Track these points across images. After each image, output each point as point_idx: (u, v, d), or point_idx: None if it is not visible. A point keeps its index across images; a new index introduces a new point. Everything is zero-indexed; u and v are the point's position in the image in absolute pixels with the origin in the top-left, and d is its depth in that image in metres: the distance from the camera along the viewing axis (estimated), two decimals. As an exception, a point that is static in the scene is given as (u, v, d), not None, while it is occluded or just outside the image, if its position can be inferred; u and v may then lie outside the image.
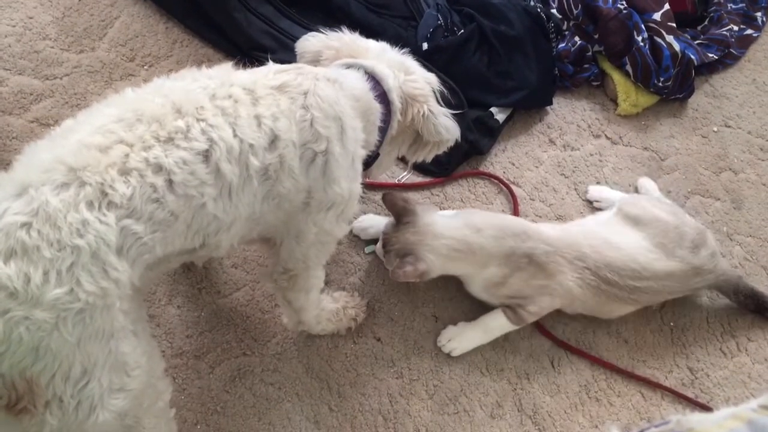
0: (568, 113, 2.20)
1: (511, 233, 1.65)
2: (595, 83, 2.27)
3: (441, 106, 1.53)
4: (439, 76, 1.62)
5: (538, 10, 2.23)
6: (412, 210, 1.64)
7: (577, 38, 2.26)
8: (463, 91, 2.03)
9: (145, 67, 2.04)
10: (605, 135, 2.19)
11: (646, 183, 2.05)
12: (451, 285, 1.80)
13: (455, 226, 1.65)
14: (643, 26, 2.21)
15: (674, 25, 2.25)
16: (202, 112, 1.13)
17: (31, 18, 2.03)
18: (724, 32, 2.41)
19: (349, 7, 2.11)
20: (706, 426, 0.88)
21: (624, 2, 2.23)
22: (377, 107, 1.41)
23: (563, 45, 2.24)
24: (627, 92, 2.20)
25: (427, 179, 2.00)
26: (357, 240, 1.86)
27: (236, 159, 1.14)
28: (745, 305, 1.86)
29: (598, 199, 2.01)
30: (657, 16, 2.24)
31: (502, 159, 2.08)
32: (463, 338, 1.73)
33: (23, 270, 0.96)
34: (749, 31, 2.48)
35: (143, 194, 1.05)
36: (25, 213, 0.98)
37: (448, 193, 1.99)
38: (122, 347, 1.07)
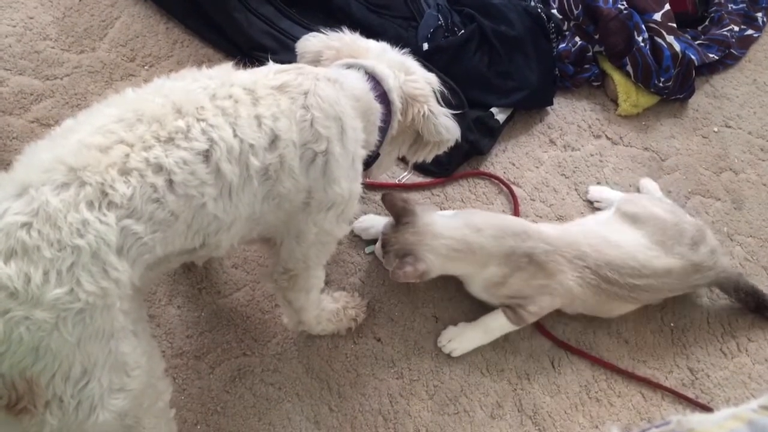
0: (568, 113, 2.20)
1: (511, 233, 1.65)
2: (595, 83, 2.27)
3: (441, 106, 1.53)
4: (439, 77, 1.62)
5: (539, 10, 2.23)
6: (412, 210, 1.64)
7: (577, 38, 2.26)
8: (464, 92, 2.03)
9: (146, 67, 2.04)
10: (606, 135, 2.19)
11: (647, 184, 2.05)
12: (452, 285, 1.80)
13: (455, 226, 1.65)
14: (643, 26, 2.21)
15: (675, 25, 2.25)
16: (202, 112, 1.13)
17: (31, 18, 2.03)
18: (725, 32, 2.41)
19: (349, 8, 2.11)
20: (707, 426, 0.88)
21: (624, 2, 2.23)
22: (377, 107, 1.41)
23: (564, 45, 2.24)
24: (627, 92, 2.20)
25: (428, 179, 2.00)
26: (357, 240, 1.86)
27: (236, 159, 1.14)
28: (745, 303, 1.86)
29: (599, 200, 2.01)
30: (657, 16, 2.24)
31: (502, 159, 2.08)
32: (464, 339, 1.73)
33: (23, 270, 0.96)
34: (750, 32, 2.48)
35: (143, 194, 1.05)
36: (26, 213, 0.98)
37: (448, 193, 1.99)
38: (122, 347, 1.07)
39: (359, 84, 1.38)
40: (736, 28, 2.45)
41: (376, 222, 1.82)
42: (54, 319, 0.96)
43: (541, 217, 1.99)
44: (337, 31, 1.51)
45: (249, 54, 2.01)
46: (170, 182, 1.08)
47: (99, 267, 1.01)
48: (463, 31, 2.14)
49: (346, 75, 1.38)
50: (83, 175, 1.02)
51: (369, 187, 1.91)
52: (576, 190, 2.06)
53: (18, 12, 2.04)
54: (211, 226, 1.16)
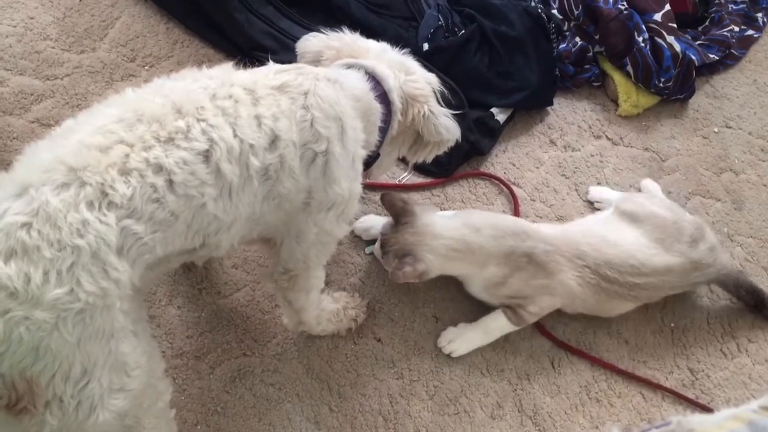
0: (568, 114, 2.20)
1: (511, 233, 1.65)
2: (595, 84, 2.27)
3: (441, 106, 1.53)
4: (439, 77, 1.62)
5: (539, 10, 2.23)
6: (411, 210, 1.64)
7: (577, 39, 2.26)
8: (464, 92, 2.03)
9: (146, 67, 2.04)
10: (606, 136, 2.19)
11: (649, 184, 2.05)
12: (452, 286, 1.80)
13: (454, 226, 1.65)
14: (643, 27, 2.21)
15: (675, 25, 2.25)
16: (202, 112, 1.13)
17: (32, 18, 2.04)
18: (725, 33, 2.41)
19: (349, 8, 2.11)
20: (707, 427, 0.88)
21: (625, 3, 2.23)
22: (378, 107, 1.40)
23: (564, 45, 2.24)
24: (628, 93, 2.20)
25: (428, 180, 2.00)
26: (357, 240, 1.86)
27: (236, 159, 1.14)
28: (745, 301, 1.86)
29: (599, 200, 2.01)
30: (658, 16, 2.23)
31: (502, 159, 2.08)
32: (464, 339, 1.73)
33: (23, 270, 0.96)
34: (750, 32, 2.47)
35: (143, 194, 1.05)
36: (26, 213, 0.98)
37: (448, 193, 1.99)
38: (122, 347, 1.07)
39: (359, 84, 1.38)
40: (737, 29, 2.45)
41: (376, 222, 1.82)
42: (54, 319, 0.96)
43: (541, 217, 1.99)
44: (337, 31, 1.51)
45: (249, 54, 2.01)
46: (170, 182, 1.08)
47: (99, 267, 1.01)
48: (463, 31, 2.14)
49: (346, 75, 1.38)
50: (83, 175, 1.02)
51: (369, 187, 1.91)
52: (576, 190, 2.06)
53: (18, 12, 2.04)
54: (211, 226, 1.16)
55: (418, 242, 1.61)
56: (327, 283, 1.66)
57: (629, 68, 2.19)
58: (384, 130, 1.45)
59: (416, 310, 1.79)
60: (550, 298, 1.68)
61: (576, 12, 2.27)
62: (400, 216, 1.64)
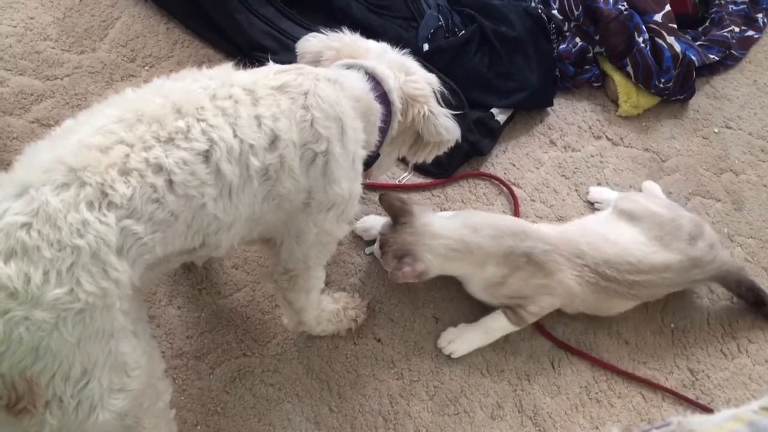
0: (568, 114, 2.20)
1: (510, 232, 1.65)
2: (596, 84, 2.27)
3: (441, 106, 1.52)
4: (439, 77, 1.62)
5: (539, 11, 2.23)
6: (409, 210, 1.64)
7: (578, 39, 2.26)
8: (464, 92, 2.03)
9: (146, 67, 2.04)
10: (606, 136, 2.18)
11: (650, 186, 2.05)
12: (452, 286, 1.80)
13: (453, 226, 1.65)
14: (644, 27, 2.21)
15: (675, 26, 2.25)
16: (202, 112, 1.13)
17: (32, 18, 2.04)
18: (725, 33, 2.41)
19: (350, 8, 2.11)
20: (707, 427, 0.88)
21: (625, 3, 2.23)
22: (378, 108, 1.40)
23: (564, 46, 2.24)
24: (628, 93, 2.20)
25: (428, 180, 2.00)
26: (357, 241, 1.86)
27: (236, 159, 1.14)
28: (745, 298, 1.85)
29: (599, 201, 2.01)
30: (658, 17, 2.23)
31: (502, 160, 2.08)
32: (464, 340, 1.73)
33: (23, 270, 0.96)
34: (750, 33, 2.47)
35: (143, 194, 1.05)
36: (26, 213, 0.98)
37: (448, 194, 1.99)
38: (122, 347, 1.07)
39: (359, 84, 1.38)
40: (737, 29, 2.45)
41: (377, 223, 1.82)
42: (54, 319, 0.96)
43: (541, 218, 1.99)
44: (337, 32, 1.51)
45: (249, 54, 2.01)
46: (170, 182, 1.08)
47: (99, 267, 1.01)
48: (463, 31, 2.14)
49: (346, 75, 1.38)
50: (83, 176, 1.02)
51: (369, 187, 1.91)
52: (576, 191, 2.06)
53: (18, 12, 2.04)
54: (211, 227, 1.16)
55: (417, 242, 1.61)
56: (327, 284, 1.66)
57: (629, 69, 2.19)
58: (384, 131, 1.45)
59: (416, 311, 1.79)
60: (550, 298, 1.68)
61: (576, 12, 2.27)
62: (398, 216, 1.64)
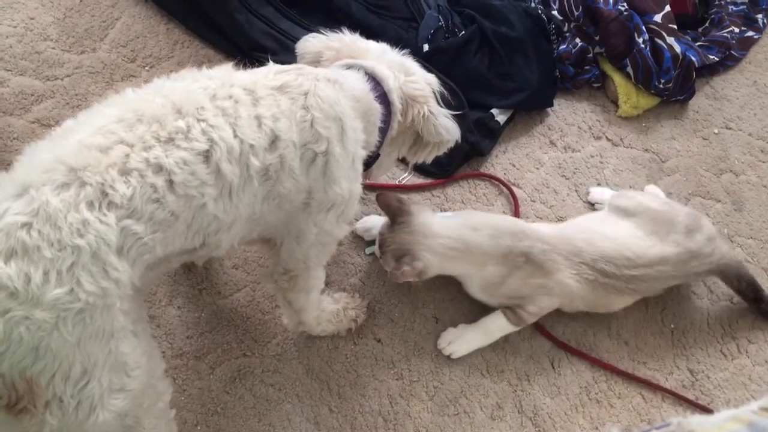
0: (568, 115, 2.21)
1: (508, 232, 1.66)
2: (595, 85, 2.27)
3: (441, 107, 1.53)
4: (439, 78, 1.62)
5: (539, 11, 2.23)
6: (407, 210, 1.64)
7: (578, 40, 2.26)
8: (464, 93, 2.03)
9: (146, 68, 2.04)
10: (606, 137, 2.19)
11: (652, 190, 2.05)
12: (452, 286, 1.80)
13: (452, 225, 1.65)
14: (644, 28, 2.21)
15: (675, 26, 2.25)
16: (202, 112, 1.13)
17: (32, 19, 2.04)
18: (725, 34, 2.41)
19: (349, 8, 2.11)
20: (707, 428, 0.88)
21: (625, 4, 2.23)
22: (377, 108, 1.41)
23: (564, 46, 2.24)
24: (628, 94, 2.20)
25: (428, 180, 2.00)
26: (357, 241, 1.86)
27: (237, 159, 1.14)
28: (744, 294, 1.85)
29: (600, 201, 2.01)
30: (658, 17, 2.24)
31: (502, 160, 2.08)
32: (464, 340, 1.73)
33: (24, 270, 0.96)
34: (750, 33, 2.48)
35: (143, 194, 1.05)
36: (26, 213, 0.98)
37: (448, 194, 1.99)
38: (122, 347, 1.07)
39: (359, 84, 1.38)
40: (737, 30, 2.45)
41: (378, 223, 1.82)
42: (54, 319, 0.96)
43: (541, 218, 1.99)
44: (337, 32, 1.51)
45: (249, 55, 2.01)
46: (170, 182, 1.08)
47: (99, 267, 1.01)
48: (463, 32, 2.14)
49: (346, 76, 1.38)
50: (83, 176, 1.02)
51: (369, 187, 1.91)
52: (576, 191, 2.06)
53: (19, 13, 2.04)
54: (211, 227, 1.16)
55: (415, 241, 1.61)
56: (327, 284, 1.66)
57: (629, 69, 2.19)
58: (384, 131, 1.45)
59: (416, 311, 1.79)
60: (549, 298, 1.68)
61: (576, 13, 2.27)
62: (396, 216, 1.64)
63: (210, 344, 1.68)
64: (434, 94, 1.52)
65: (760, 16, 2.50)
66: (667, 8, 2.26)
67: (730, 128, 2.28)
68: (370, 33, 1.64)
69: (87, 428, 1.04)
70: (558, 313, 1.77)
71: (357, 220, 1.83)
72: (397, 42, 1.57)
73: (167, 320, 1.69)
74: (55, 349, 0.97)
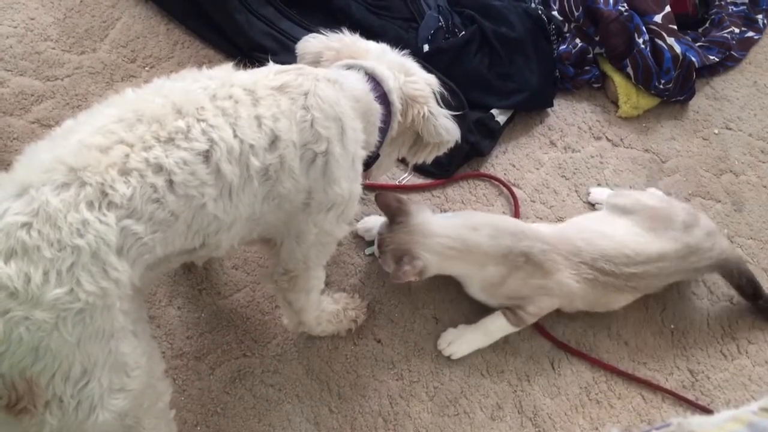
0: (568, 115, 2.21)
1: (508, 232, 1.66)
2: (596, 85, 2.27)
3: (441, 107, 1.53)
4: (439, 78, 1.62)
5: (539, 12, 2.23)
6: (406, 210, 1.64)
7: (578, 40, 2.26)
8: (464, 93, 2.03)
9: (147, 68, 2.04)
10: (606, 137, 2.19)
11: (654, 193, 2.05)
12: (452, 287, 1.80)
13: (451, 224, 1.65)
14: (644, 28, 2.21)
15: (675, 27, 2.25)
16: (202, 112, 1.13)
17: (32, 19, 2.04)
18: (725, 34, 2.41)
19: (349, 9, 2.11)
20: (707, 428, 0.88)
21: (625, 4, 2.23)
22: (377, 108, 1.41)
23: (564, 47, 2.24)
24: (628, 94, 2.20)
25: (428, 181, 2.00)
26: (357, 241, 1.86)
27: (237, 159, 1.14)
28: (744, 290, 1.84)
29: (600, 202, 2.01)
30: (658, 18, 2.24)
31: (502, 161, 2.08)
32: (463, 341, 1.73)
33: (23, 270, 0.96)
34: (750, 34, 2.48)
35: (143, 194, 1.05)
36: (26, 213, 0.98)
37: (448, 194, 1.99)
38: (122, 347, 1.07)
39: (359, 85, 1.38)
40: (737, 30, 2.45)
41: (378, 223, 1.82)
42: (54, 319, 0.96)
43: (541, 218, 1.99)
44: (337, 32, 1.51)
45: (249, 55, 2.01)
46: (170, 182, 1.08)
47: (99, 267, 1.01)
48: (463, 32, 2.14)
49: (346, 76, 1.38)
50: (83, 176, 1.02)
51: (370, 188, 1.91)
52: (576, 191, 2.06)
53: (19, 13, 2.04)
54: (211, 227, 1.16)
55: (414, 241, 1.61)
56: (327, 284, 1.66)
57: (629, 70, 2.19)
58: (384, 131, 1.45)
59: (416, 311, 1.79)
60: (548, 298, 1.68)
61: (576, 13, 2.27)
62: (395, 216, 1.64)
63: (210, 345, 1.68)
64: (434, 94, 1.52)
65: (760, 16, 2.50)
66: (668, 9, 2.26)
67: (730, 129, 2.28)
68: (370, 33, 1.64)
69: (87, 428, 1.04)
70: (558, 314, 1.77)
71: (357, 220, 1.83)
72: (397, 42, 1.57)
73: (167, 320, 1.68)
74: (55, 349, 0.97)
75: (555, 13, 2.29)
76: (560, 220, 1.99)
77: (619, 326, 1.84)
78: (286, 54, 1.90)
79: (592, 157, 2.13)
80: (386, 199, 1.65)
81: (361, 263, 1.84)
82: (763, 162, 2.23)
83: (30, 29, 2.02)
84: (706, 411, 1.75)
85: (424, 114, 1.46)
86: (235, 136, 1.14)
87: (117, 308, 1.04)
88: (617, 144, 2.17)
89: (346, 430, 1.63)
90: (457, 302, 1.81)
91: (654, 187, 2.08)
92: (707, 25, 2.46)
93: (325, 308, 1.63)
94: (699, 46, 2.34)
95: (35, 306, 0.95)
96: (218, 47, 2.10)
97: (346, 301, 1.70)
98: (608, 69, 2.25)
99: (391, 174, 1.97)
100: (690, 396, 1.78)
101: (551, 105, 2.18)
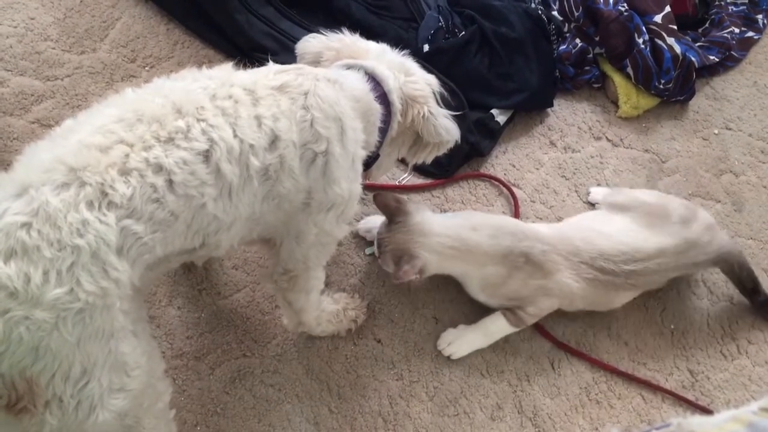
0: (568, 115, 2.20)
1: (508, 232, 1.66)
2: (596, 85, 2.27)
3: (441, 107, 1.53)
4: (439, 78, 1.62)
5: (539, 12, 2.23)
6: (405, 210, 1.64)
7: (578, 40, 2.26)
8: (464, 93, 2.03)
9: (147, 68, 2.04)
10: (606, 137, 2.19)
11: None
12: (451, 287, 1.80)
13: (451, 224, 1.65)
14: (644, 28, 2.21)
15: (675, 27, 2.25)
16: (202, 112, 1.13)
17: (32, 19, 2.04)
18: (725, 34, 2.41)
19: (349, 9, 2.11)
20: (707, 429, 0.88)
21: (625, 4, 2.23)
22: (377, 108, 1.40)
23: (564, 47, 2.24)
24: (628, 94, 2.20)
25: (428, 181, 2.00)
26: (357, 241, 1.86)
27: (236, 159, 1.14)
28: (744, 285, 1.84)
29: (600, 202, 2.01)
30: (658, 18, 2.24)
31: (502, 161, 2.08)
32: (463, 342, 1.73)
33: (23, 270, 0.96)
34: (750, 34, 2.48)
35: (143, 194, 1.05)
36: (26, 213, 0.98)
37: (448, 194, 1.99)
38: (122, 347, 1.07)
39: (359, 85, 1.38)
40: (737, 30, 2.45)
41: (380, 223, 1.82)
42: (54, 319, 0.96)
43: (541, 218, 1.99)
44: (337, 32, 1.51)
45: (249, 55, 2.01)
46: (170, 182, 1.08)
47: (99, 267, 1.01)
48: (463, 32, 2.14)
49: (346, 76, 1.38)
50: (83, 175, 1.02)
51: (370, 188, 1.91)
52: (576, 191, 2.06)
53: (19, 13, 2.04)
54: (211, 226, 1.16)
55: (412, 240, 1.61)
56: (327, 284, 1.66)
57: (629, 70, 2.19)
58: (384, 131, 1.45)
59: (416, 312, 1.79)
60: (548, 299, 1.68)
61: (576, 13, 2.27)
62: (394, 216, 1.64)
63: (210, 345, 1.68)
64: (434, 94, 1.52)
65: (760, 16, 2.50)
66: (668, 9, 2.26)
67: (730, 129, 2.28)
68: (370, 33, 1.64)
69: (87, 428, 1.04)
70: (558, 314, 1.77)
71: (357, 220, 1.83)
72: (397, 42, 1.57)
73: (167, 320, 1.68)
74: (55, 349, 0.97)
75: (555, 13, 2.29)
76: (560, 220, 1.99)
77: (619, 326, 1.84)
78: (286, 54, 1.90)
79: (592, 157, 2.13)
80: (384, 199, 1.65)
81: (361, 263, 1.84)
82: (763, 162, 2.23)
83: (30, 29, 2.02)
84: (706, 411, 1.75)
85: (424, 114, 1.46)
86: (235, 135, 1.14)
87: (117, 308, 1.04)
88: (617, 144, 2.17)
89: (346, 430, 1.63)
90: (457, 302, 1.81)
91: (654, 187, 2.08)
92: (707, 25, 2.46)
93: (325, 308, 1.63)
94: (699, 46, 2.34)
95: (35, 306, 0.95)
96: (218, 47, 2.10)
97: (346, 301, 1.70)
98: (608, 69, 2.25)
99: (391, 174, 1.97)
100: (690, 396, 1.78)
101: (551, 105, 2.18)
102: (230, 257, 1.77)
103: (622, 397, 1.75)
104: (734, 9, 2.49)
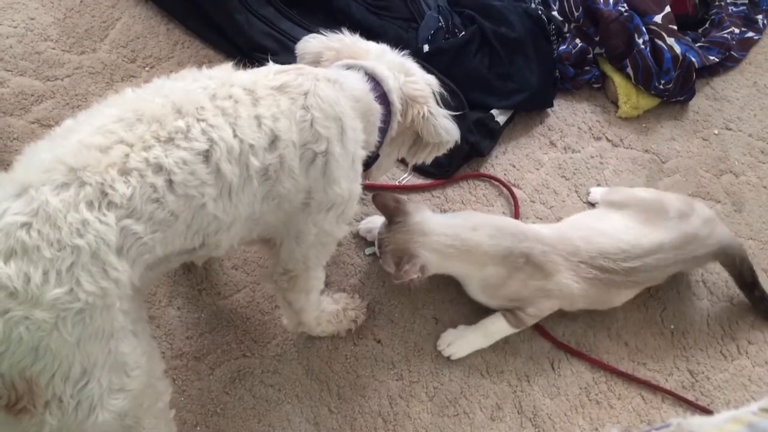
0: (568, 115, 2.20)
1: (508, 233, 1.66)
2: (595, 85, 2.27)
3: (441, 107, 1.53)
4: (439, 78, 1.62)
5: (539, 12, 2.23)
6: (404, 210, 1.64)
7: (578, 40, 2.26)
8: (464, 93, 2.03)
9: (147, 68, 2.04)
10: (606, 137, 2.19)
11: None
12: (451, 287, 1.80)
13: (450, 224, 1.65)
14: (644, 29, 2.21)
15: (675, 27, 2.25)
16: (202, 112, 1.13)
17: (32, 19, 2.04)
18: (725, 35, 2.41)
19: (349, 9, 2.11)
20: (707, 429, 0.88)
21: (625, 5, 2.23)
22: (377, 108, 1.41)
23: (564, 47, 2.24)
24: (628, 94, 2.20)
25: (428, 181, 2.00)
26: (357, 241, 1.86)
27: (236, 159, 1.14)
28: (744, 279, 1.84)
29: (598, 201, 2.01)
30: (658, 18, 2.24)
31: (502, 161, 2.08)
32: (463, 342, 1.73)
33: (23, 270, 0.96)
34: (750, 34, 2.48)
35: (143, 194, 1.05)
36: (25, 213, 0.98)
37: (448, 195, 1.99)
38: (122, 347, 1.07)
39: (359, 85, 1.38)
40: (737, 31, 2.45)
41: (380, 223, 1.82)
42: (54, 319, 0.96)
43: (541, 219, 1.99)
44: (337, 33, 1.51)
45: (249, 55, 2.01)
46: (170, 182, 1.08)
47: (99, 267, 1.01)
48: (463, 32, 2.14)
49: (346, 76, 1.38)
50: (83, 175, 1.02)
51: (370, 188, 1.91)
52: (576, 192, 2.06)
53: (19, 13, 2.04)
54: (210, 226, 1.16)
55: (412, 240, 1.61)
56: (327, 284, 1.66)
57: (629, 70, 2.19)
58: (384, 131, 1.45)
59: (416, 312, 1.79)
60: (548, 300, 1.68)
61: (576, 14, 2.27)
62: (393, 216, 1.64)
63: (210, 345, 1.68)
64: (434, 94, 1.52)
65: (760, 17, 2.50)
66: (668, 9, 2.26)
67: (730, 129, 2.28)
68: (370, 33, 1.65)
69: (87, 428, 1.04)
70: (558, 314, 1.77)
71: (357, 220, 1.83)
72: (397, 43, 1.57)
73: (167, 320, 1.68)
74: (54, 349, 0.97)
75: (555, 13, 2.29)
76: (560, 220, 1.99)
77: (619, 326, 1.84)
78: (286, 54, 1.90)
79: (592, 157, 2.13)
80: (383, 199, 1.65)
81: (361, 263, 1.84)
82: (763, 162, 2.23)
83: (30, 29, 2.02)
84: (706, 411, 1.75)
85: (423, 114, 1.46)
86: (235, 135, 1.14)
87: (117, 308, 1.04)
88: (617, 144, 2.17)
89: (346, 431, 1.63)
90: (457, 303, 1.81)
91: (654, 188, 2.07)
92: (707, 25, 2.46)
93: (325, 308, 1.63)
94: (699, 47, 2.34)
95: (35, 306, 0.95)
96: (218, 47, 2.10)
97: (346, 302, 1.70)
98: (608, 69, 2.25)
99: (391, 174, 1.97)
100: (690, 396, 1.78)
101: (551, 105, 2.18)
102: (230, 257, 1.77)
103: (622, 398, 1.75)
104: (734, 9, 2.49)
